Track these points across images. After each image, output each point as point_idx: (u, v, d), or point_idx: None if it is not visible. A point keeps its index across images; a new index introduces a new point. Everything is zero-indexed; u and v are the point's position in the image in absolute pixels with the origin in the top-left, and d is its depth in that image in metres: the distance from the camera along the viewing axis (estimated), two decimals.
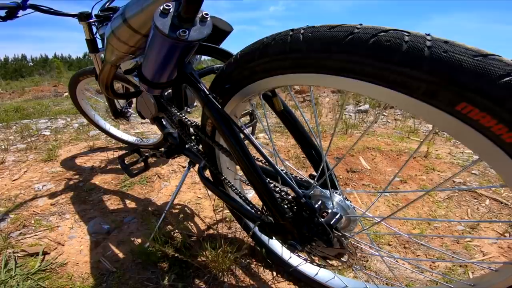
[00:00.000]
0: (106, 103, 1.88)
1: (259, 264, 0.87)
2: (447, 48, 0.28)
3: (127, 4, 0.56)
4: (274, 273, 0.85)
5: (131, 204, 1.18)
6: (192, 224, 1.05)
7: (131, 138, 1.77)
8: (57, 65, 12.60)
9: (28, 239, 0.94)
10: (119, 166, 1.52)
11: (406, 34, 0.31)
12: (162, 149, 1.03)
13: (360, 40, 0.33)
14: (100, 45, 1.15)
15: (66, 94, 4.39)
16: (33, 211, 1.10)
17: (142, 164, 1.07)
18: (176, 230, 0.99)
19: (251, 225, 0.87)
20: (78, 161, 1.60)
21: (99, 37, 1.11)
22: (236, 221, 1.05)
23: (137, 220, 1.06)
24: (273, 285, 0.81)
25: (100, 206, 1.15)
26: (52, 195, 1.22)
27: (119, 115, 1.46)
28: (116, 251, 0.89)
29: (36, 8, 0.95)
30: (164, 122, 1.05)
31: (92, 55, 1.15)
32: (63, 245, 0.91)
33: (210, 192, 0.94)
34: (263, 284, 0.81)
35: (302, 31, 0.39)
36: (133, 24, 0.54)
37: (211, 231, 1.01)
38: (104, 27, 1.01)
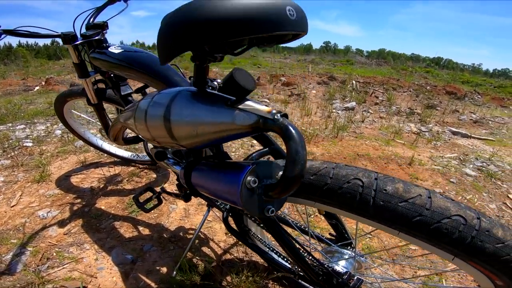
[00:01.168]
0: (98, 122, 1.91)
1: (275, 283, 1.08)
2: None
3: (175, 99, 0.53)
4: None
5: (145, 231, 1.31)
6: (208, 249, 1.23)
7: (126, 154, 1.84)
8: (22, 54, 11.86)
9: (58, 272, 1.04)
10: (118, 187, 1.62)
11: (463, 223, 0.43)
12: (176, 191, 1.12)
13: (426, 223, 0.44)
14: (89, 68, 1.15)
15: (38, 88, 4.13)
16: (49, 242, 1.20)
17: (156, 200, 1.18)
18: (197, 257, 1.17)
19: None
20: (74, 180, 1.66)
21: (88, 60, 1.11)
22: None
23: (156, 248, 1.21)
24: None
25: (114, 234, 1.28)
26: (61, 224, 1.32)
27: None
28: (148, 281, 1.04)
29: (12, 33, 0.92)
30: None
31: (82, 80, 1.16)
32: (96, 278, 1.04)
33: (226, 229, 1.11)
34: None
35: (373, 193, 0.47)
36: (176, 131, 0.51)
37: (228, 256, 1.20)
38: (95, 53, 1.02)
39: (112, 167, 1.83)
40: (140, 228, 1.33)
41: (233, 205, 0.48)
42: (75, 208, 1.43)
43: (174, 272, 1.04)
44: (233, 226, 0.94)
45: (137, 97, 1.07)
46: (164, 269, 1.10)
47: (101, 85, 1.28)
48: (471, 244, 0.44)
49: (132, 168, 1.83)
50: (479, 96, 4.49)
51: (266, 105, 0.39)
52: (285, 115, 0.38)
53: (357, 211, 0.50)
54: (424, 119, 3.21)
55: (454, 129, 3.00)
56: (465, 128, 3.15)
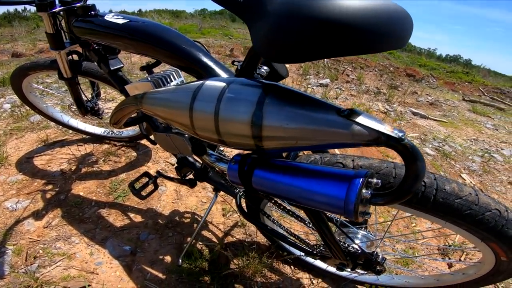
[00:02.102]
0: (62, 96, 1.67)
1: (279, 261, 1.16)
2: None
3: (267, 97, 0.47)
4: (292, 267, 1.15)
5: (137, 218, 1.25)
6: (209, 233, 1.23)
7: (98, 130, 1.68)
8: None
9: (52, 272, 0.96)
10: (94, 168, 1.49)
11: (498, 215, 0.56)
12: (178, 176, 1.07)
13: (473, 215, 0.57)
14: (65, 39, 1.05)
15: None
16: (30, 238, 1.07)
17: (153, 186, 1.12)
18: (200, 242, 1.17)
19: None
20: (38, 162, 1.47)
21: (64, 29, 1.01)
22: (248, 224, 1.29)
23: (154, 236, 1.17)
24: (293, 277, 1.11)
25: (103, 224, 1.19)
26: (37, 216, 1.18)
27: (88, 112, 1.38)
28: (154, 272, 1.02)
29: None
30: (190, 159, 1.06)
31: (55, 52, 1.05)
32: (97, 274, 0.98)
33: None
34: (286, 277, 1.10)
35: (434, 192, 0.56)
36: (266, 133, 0.46)
37: (230, 238, 1.23)
38: (82, 22, 0.91)
39: (81, 146, 1.65)
40: (131, 215, 1.26)
41: (330, 212, 0.49)
42: (47, 196, 1.29)
43: (180, 260, 1.05)
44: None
45: (142, 75, 0.95)
46: (168, 258, 1.09)
47: (75, 57, 1.15)
48: (501, 231, 0.58)
49: (106, 146, 1.68)
50: (434, 80, 5.00)
51: (383, 121, 0.40)
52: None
53: (415, 206, 0.58)
54: (389, 99, 3.48)
55: (414, 110, 3.33)
56: (423, 109, 3.52)
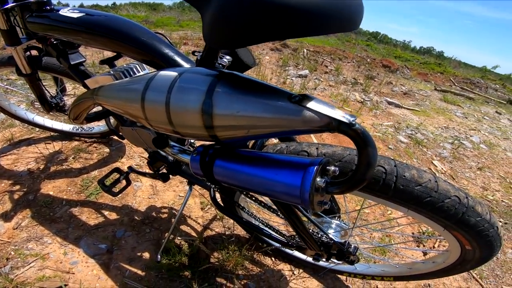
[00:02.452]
0: (26, 93, 1.58)
1: (259, 253, 1.18)
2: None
3: (217, 85, 0.46)
4: (273, 259, 1.18)
5: (111, 215, 1.23)
6: (188, 227, 1.23)
7: (66, 127, 1.61)
8: None
9: (27, 273, 0.93)
10: (64, 166, 1.44)
11: (458, 202, 0.57)
12: (149, 170, 1.05)
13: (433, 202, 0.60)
14: (22, 34, 1.01)
15: None
16: (0, 239, 1.03)
17: (125, 182, 1.10)
18: (178, 237, 1.17)
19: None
20: (4, 162, 1.39)
21: (20, 25, 0.97)
22: (226, 217, 1.30)
23: (131, 233, 1.16)
24: (274, 268, 1.14)
25: (76, 223, 1.16)
26: (6, 217, 1.12)
27: (53, 108, 1.33)
28: (133, 269, 1.02)
29: None
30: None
31: (11, 48, 1.02)
32: (73, 273, 0.96)
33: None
34: (267, 268, 1.13)
35: (394, 179, 0.58)
36: (217, 122, 0.45)
37: (209, 232, 1.23)
38: (36, 17, 0.87)
39: (49, 144, 1.58)
40: (105, 213, 1.24)
41: (289, 202, 0.49)
42: (15, 196, 1.23)
43: (159, 256, 1.04)
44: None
45: (104, 68, 0.91)
46: (147, 255, 1.08)
47: (34, 52, 1.10)
48: (461, 218, 0.59)
49: (76, 143, 1.62)
50: (408, 71, 5.18)
51: (335, 107, 0.40)
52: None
53: (377, 194, 0.59)
54: (366, 89, 3.58)
55: (389, 99, 3.45)
56: (397, 98, 3.65)
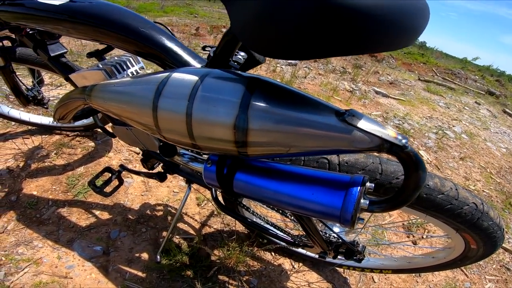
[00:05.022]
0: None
1: (259, 248, 1.21)
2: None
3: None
4: (273, 254, 1.21)
5: (103, 215, 1.20)
6: (185, 225, 1.23)
7: (46, 120, 1.52)
8: None
9: (22, 279, 0.90)
10: (46, 163, 1.38)
11: (475, 208, 0.62)
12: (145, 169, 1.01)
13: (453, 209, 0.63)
14: None
15: None
16: None
17: (117, 181, 1.06)
18: (176, 236, 1.17)
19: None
20: None
21: None
22: (225, 215, 1.31)
23: (126, 233, 1.14)
24: (275, 263, 1.17)
25: (66, 224, 1.12)
26: None
27: (30, 101, 1.25)
28: (133, 271, 1.00)
29: None
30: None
31: None
32: (71, 278, 0.93)
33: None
34: (267, 263, 1.16)
35: None
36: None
37: (207, 229, 1.24)
38: (7, 6, 0.79)
39: (27, 138, 1.49)
40: (96, 213, 1.20)
41: (323, 220, 0.49)
42: None
43: (158, 257, 1.03)
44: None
45: (93, 61, 0.86)
46: (145, 255, 1.07)
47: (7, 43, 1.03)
48: (476, 222, 0.63)
49: (57, 137, 1.54)
50: (393, 60, 5.33)
51: (387, 127, 0.37)
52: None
53: None
54: (355, 78, 3.65)
55: (376, 89, 3.55)
56: (384, 88, 3.76)
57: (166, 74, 0.48)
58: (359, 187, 0.41)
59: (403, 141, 0.35)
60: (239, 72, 0.47)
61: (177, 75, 0.47)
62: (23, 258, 0.96)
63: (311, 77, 3.33)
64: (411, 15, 0.32)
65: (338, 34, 0.31)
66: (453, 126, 3.09)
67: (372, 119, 0.38)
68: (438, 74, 5.27)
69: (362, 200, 0.42)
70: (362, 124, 0.36)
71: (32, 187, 1.24)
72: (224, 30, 4.22)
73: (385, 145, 0.36)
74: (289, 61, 3.54)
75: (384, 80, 4.09)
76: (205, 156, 0.77)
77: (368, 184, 0.43)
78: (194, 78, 0.45)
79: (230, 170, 0.51)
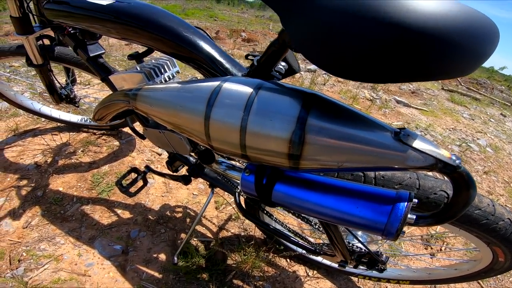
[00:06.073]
0: (31, 81, 1.52)
1: (274, 254, 1.18)
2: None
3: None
4: (288, 260, 1.17)
5: (124, 214, 1.20)
6: (203, 228, 1.22)
7: (74, 118, 1.57)
8: None
9: (41, 275, 0.91)
10: (73, 160, 1.41)
11: (509, 223, 0.60)
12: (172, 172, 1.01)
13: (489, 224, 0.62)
14: (35, 22, 0.96)
15: None
16: (10, 240, 1.00)
17: (142, 182, 1.08)
18: (194, 238, 1.15)
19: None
20: (9, 155, 1.35)
21: (33, 12, 0.92)
22: (243, 217, 1.29)
23: (145, 233, 1.14)
24: (289, 270, 1.14)
25: (89, 222, 1.14)
26: (15, 215, 1.09)
27: (63, 99, 1.28)
28: (150, 271, 1.00)
29: None
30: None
31: (22, 37, 0.96)
32: (90, 276, 0.94)
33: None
34: (282, 269, 1.13)
35: None
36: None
37: (225, 233, 1.22)
38: (54, 4, 0.80)
39: (56, 135, 1.54)
40: (118, 211, 1.21)
41: (366, 232, 0.48)
42: (23, 192, 1.20)
43: (175, 258, 1.02)
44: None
45: (122, 57, 0.86)
46: (163, 256, 1.07)
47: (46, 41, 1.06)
48: (509, 237, 0.61)
49: (84, 134, 1.58)
50: None
51: (440, 146, 0.38)
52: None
53: None
54: (375, 86, 3.56)
55: (397, 98, 3.44)
56: (405, 97, 3.64)
57: (217, 83, 0.47)
58: (406, 203, 0.42)
59: (457, 161, 0.36)
60: (293, 85, 0.46)
61: (229, 86, 0.46)
62: (45, 254, 0.98)
63: (330, 84, 3.27)
64: (483, 39, 0.32)
65: (411, 60, 0.31)
66: (478, 138, 2.94)
67: (426, 138, 0.38)
68: (462, 84, 5.06)
69: (409, 216, 0.42)
70: (417, 143, 0.37)
71: (58, 183, 1.27)
72: (243, 34, 4.23)
73: (438, 165, 0.36)
74: (308, 67, 3.50)
75: (406, 89, 3.97)
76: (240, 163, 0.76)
77: (414, 200, 0.44)
78: (248, 89, 0.45)
79: (270, 180, 0.51)
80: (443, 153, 0.36)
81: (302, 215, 0.51)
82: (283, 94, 0.43)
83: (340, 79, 3.57)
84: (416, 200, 0.43)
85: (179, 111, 0.49)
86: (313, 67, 3.48)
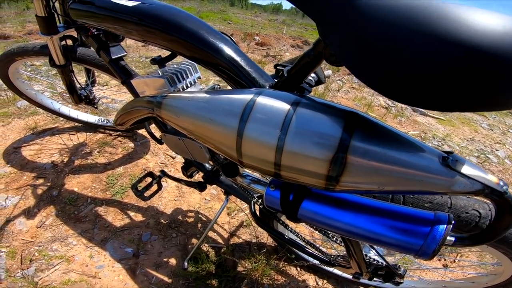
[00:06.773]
0: (52, 81, 1.54)
1: (285, 263, 1.14)
2: None
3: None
4: (298, 269, 1.14)
5: (137, 217, 1.20)
6: (214, 233, 1.20)
7: (92, 118, 1.58)
8: None
9: (51, 276, 0.91)
10: (89, 160, 1.41)
11: None
12: (187, 178, 1.00)
13: None
14: (59, 22, 0.96)
15: None
16: (23, 239, 1.00)
17: (156, 186, 1.07)
18: (205, 244, 1.13)
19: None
20: (27, 153, 1.37)
21: (58, 12, 0.91)
22: (254, 225, 1.26)
23: (157, 237, 1.12)
24: (299, 278, 1.10)
25: (102, 224, 1.13)
26: (29, 214, 1.10)
27: (83, 100, 1.29)
28: (160, 276, 0.98)
29: None
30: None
31: (46, 37, 0.96)
32: (100, 278, 0.93)
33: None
34: (291, 278, 1.09)
35: (488, 222, 0.57)
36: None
37: (236, 239, 1.19)
38: (80, 4, 0.79)
39: (73, 134, 1.55)
40: (131, 214, 1.20)
41: (399, 252, 0.45)
42: (38, 191, 1.20)
43: (186, 263, 1.00)
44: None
45: (138, 58, 0.85)
46: (173, 261, 1.05)
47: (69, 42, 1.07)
48: None
49: (100, 135, 1.59)
50: None
51: (486, 170, 0.37)
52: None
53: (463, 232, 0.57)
54: None
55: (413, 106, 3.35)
56: None
57: (250, 96, 0.44)
58: (445, 225, 0.40)
59: (504, 187, 0.34)
60: (331, 102, 0.43)
61: (264, 100, 0.43)
62: (56, 255, 0.98)
63: (344, 91, 3.21)
64: None
65: (489, 88, 0.27)
66: (496, 150, 2.82)
67: (474, 164, 0.36)
68: None
69: (449, 238, 0.41)
70: (466, 169, 0.35)
71: (74, 183, 1.28)
72: (257, 38, 4.22)
73: (485, 191, 0.34)
74: None
75: None
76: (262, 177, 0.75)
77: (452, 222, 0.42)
78: (285, 105, 0.41)
79: (297, 197, 0.48)
80: (491, 179, 0.34)
81: (333, 233, 0.49)
82: (323, 112, 0.40)
83: (355, 85, 3.51)
84: (454, 222, 0.41)
85: (209, 124, 0.46)
86: (326, 73, 3.43)
